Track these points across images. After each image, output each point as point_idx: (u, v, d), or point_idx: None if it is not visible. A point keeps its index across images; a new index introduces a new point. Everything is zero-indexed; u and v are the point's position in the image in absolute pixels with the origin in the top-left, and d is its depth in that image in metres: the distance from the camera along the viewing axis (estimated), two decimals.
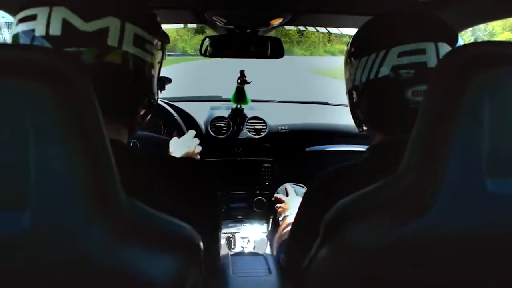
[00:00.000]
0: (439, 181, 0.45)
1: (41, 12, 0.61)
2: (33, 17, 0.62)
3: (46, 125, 0.39)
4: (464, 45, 0.48)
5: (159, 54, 0.75)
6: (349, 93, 0.86)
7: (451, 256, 0.48)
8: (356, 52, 0.81)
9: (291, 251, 0.93)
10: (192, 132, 1.48)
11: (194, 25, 1.63)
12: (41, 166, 0.39)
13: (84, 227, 0.41)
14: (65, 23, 0.60)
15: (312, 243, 0.64)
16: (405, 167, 0.50)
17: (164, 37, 0.78)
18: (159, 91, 0.84)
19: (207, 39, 1.58)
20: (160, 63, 0.78)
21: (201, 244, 0.55)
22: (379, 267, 0.49)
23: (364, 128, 0.87)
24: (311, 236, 0.65)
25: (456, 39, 0.75)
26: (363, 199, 0.54)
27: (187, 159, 1.14)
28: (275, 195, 1.60)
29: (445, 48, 0.72)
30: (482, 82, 0.43)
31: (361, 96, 0.81)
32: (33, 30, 0.61)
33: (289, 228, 1.01)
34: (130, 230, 0.46)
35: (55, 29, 0.60)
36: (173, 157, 1.24)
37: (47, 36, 0.61)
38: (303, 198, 0.87)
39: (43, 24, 0.61)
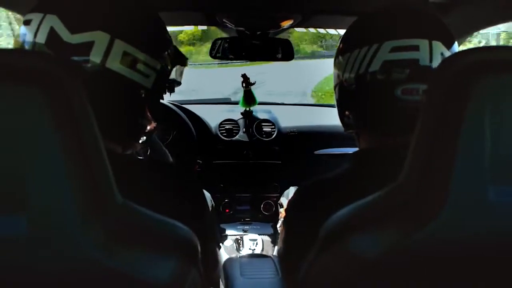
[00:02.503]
0: (443, 191, 0.44)
1: (35, 18, 0.61)
2: (28, 22, 0.62)
3: (41, 130, 0.39)
4: (466, 50, 0.47)
5: (160, 76, 0.71)
6: (338, 88, 0.83)
7: (454, 266, 0.47)
8: (347, 45, 0.78)
9: (284, 257, 0.92)
10: None
11: (205, 27, 1.64)
12: (36, 170, 0.39)
13: (81, 230, 0.41)
14: (52, 32, 0.60)
15: (303, 251, 0.63)
16: (406, 177, 0.49)
17: (178, 60, 0.76)
18: (169, 94, 0.83)
19: (217, 41, 1.59)
20: (162, 85, 0.74)
21: (199, 245, 0.55)
22: (382, 276, 0.49)
23: (349, 128, 0.84)
24: (299, 245, 0.65)
25: (452, 40, 0.73)
26: (364, 209, 0.53)
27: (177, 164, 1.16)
28: (281, 199, 1.59)
29: (439, 47, 0.70)
30: (485, 88, 0.42)
31: (349, 91, 0.78)
32: (24, 35, 0.62)
33: (282, 232, 1.00)
34: (128, 232, 0.46)
35: (41, 37, 0.60)
36: (162, 162, 1.25)
37: (34, 43, 0.61)
38: (288, 206, 0.86)
39: (33, 30, 0.61)
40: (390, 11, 0.77)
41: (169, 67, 0.74)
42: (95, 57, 0.61)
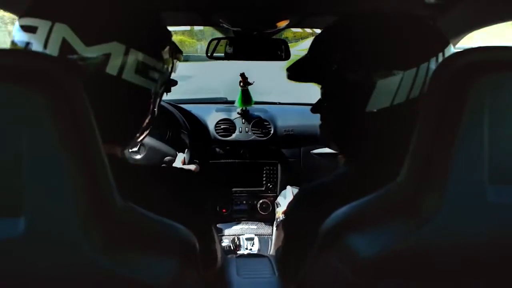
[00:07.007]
0: (441, 191, 0.44)
1: (42, 26, 0.57)
2: (33, 29, 0.58)
3: (41, 131, 0.39)
4: (465, 50, 0.47)
5: (165, 78, 0.70)
6: (315, 109, 0.83)
7: (452, 266, 0.48)
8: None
9: (283, 257, 0.92)
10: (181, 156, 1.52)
11: (201, 27, 1.64)
12: (35, 172, 0.39)
13: (80, 232, 0.41)
14: (65, 44, 0.56)
15: (303, 251, 0.63)
16: (404, 177, 0.49)
17: (175, 54, 0.74)
18: (166, 93, 0.83)
19: (213, 41, 1.59)
20: (166, 86, 0.73)
21: (198, 246, 0.55)
22: (380, 276, 0.49)
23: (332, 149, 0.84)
24: (299, 246, 0.65)
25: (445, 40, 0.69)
26: (363, 208, 0.54)
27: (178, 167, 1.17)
28: (278, 198, 1.60)
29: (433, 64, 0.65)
30: (483, 89, 0.42)
31: (326, 114, 0.79)
32: (29, 43, 0.58)
33: (280, 233, 1.01)
34: (128, 234, 0.46)
35: (53, 49, 0.56)
36: (162, 165, 1.26)
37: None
38: (289, 207, 0.87)
39: (41, 40, 0.57)
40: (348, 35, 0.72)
41: (171, 66, 0.73)
42: (112, 70, 0.58)
